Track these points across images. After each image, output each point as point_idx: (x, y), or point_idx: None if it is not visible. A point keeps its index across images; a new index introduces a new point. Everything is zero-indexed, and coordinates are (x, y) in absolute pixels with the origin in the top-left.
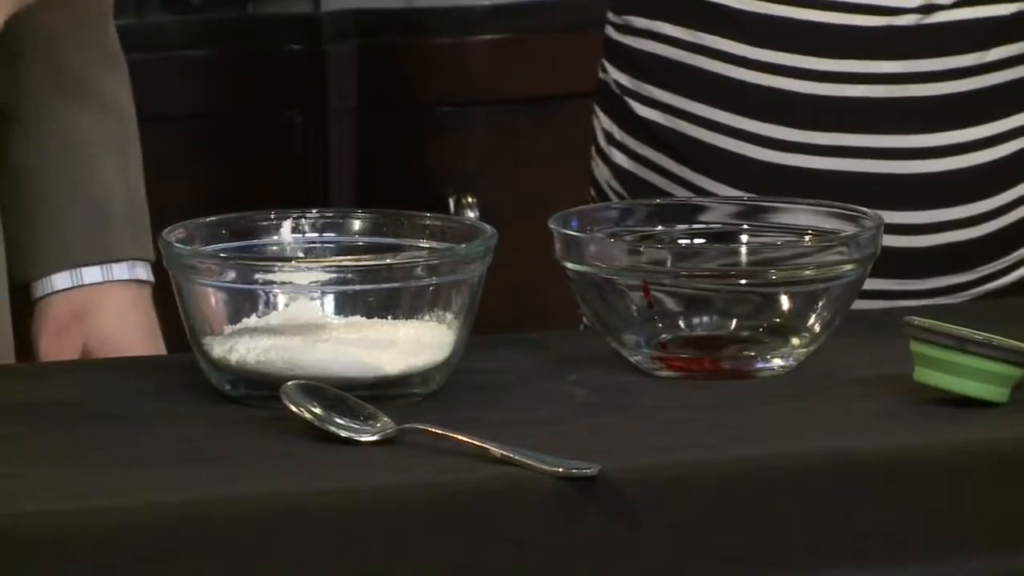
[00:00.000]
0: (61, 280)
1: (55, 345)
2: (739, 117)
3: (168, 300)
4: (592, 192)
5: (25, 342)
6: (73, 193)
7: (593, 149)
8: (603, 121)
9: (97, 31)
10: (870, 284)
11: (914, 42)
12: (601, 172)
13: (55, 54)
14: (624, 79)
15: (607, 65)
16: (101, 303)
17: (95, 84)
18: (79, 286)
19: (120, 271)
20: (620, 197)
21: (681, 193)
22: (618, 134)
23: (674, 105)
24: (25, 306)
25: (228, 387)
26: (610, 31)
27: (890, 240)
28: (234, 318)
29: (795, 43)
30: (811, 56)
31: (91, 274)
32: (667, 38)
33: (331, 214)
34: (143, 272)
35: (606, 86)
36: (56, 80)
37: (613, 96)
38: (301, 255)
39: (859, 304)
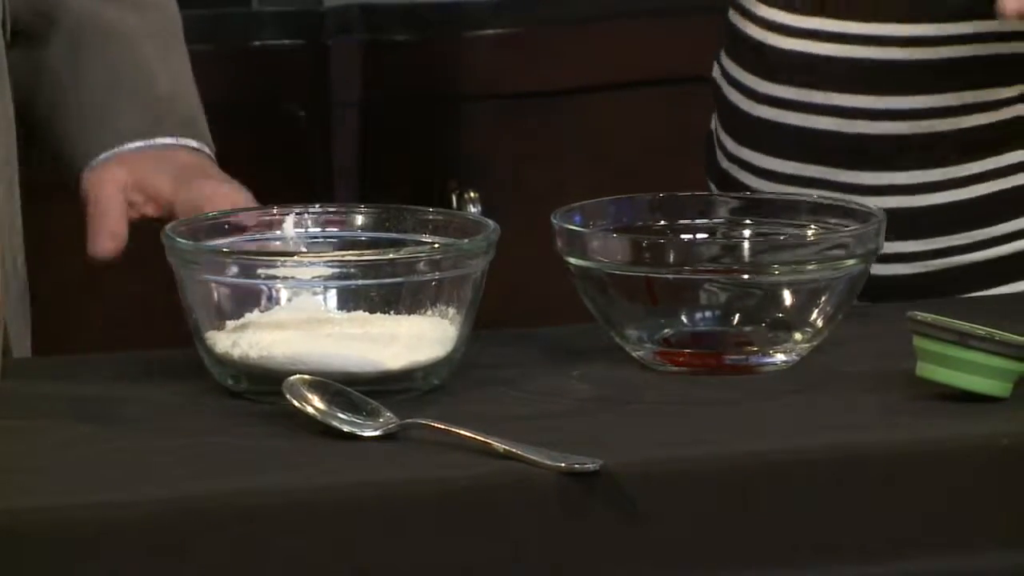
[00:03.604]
0: (105, 156)
1: (114, 195)
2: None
3: (172, 295)
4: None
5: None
6: (115, 79)
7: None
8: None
9: None
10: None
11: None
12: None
13: None
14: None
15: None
16: (151, 155)
17: None
18: (120, 152)
19: (165, 141)
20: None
21: (725, 163)
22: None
23: (723, 64)
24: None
25: (231, 382)
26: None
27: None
28: (237, 313)
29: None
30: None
31: (132, 145)
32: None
33: (333, 209)
34: (195, 143)
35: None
36: None
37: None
38: (304, 250)
39: None
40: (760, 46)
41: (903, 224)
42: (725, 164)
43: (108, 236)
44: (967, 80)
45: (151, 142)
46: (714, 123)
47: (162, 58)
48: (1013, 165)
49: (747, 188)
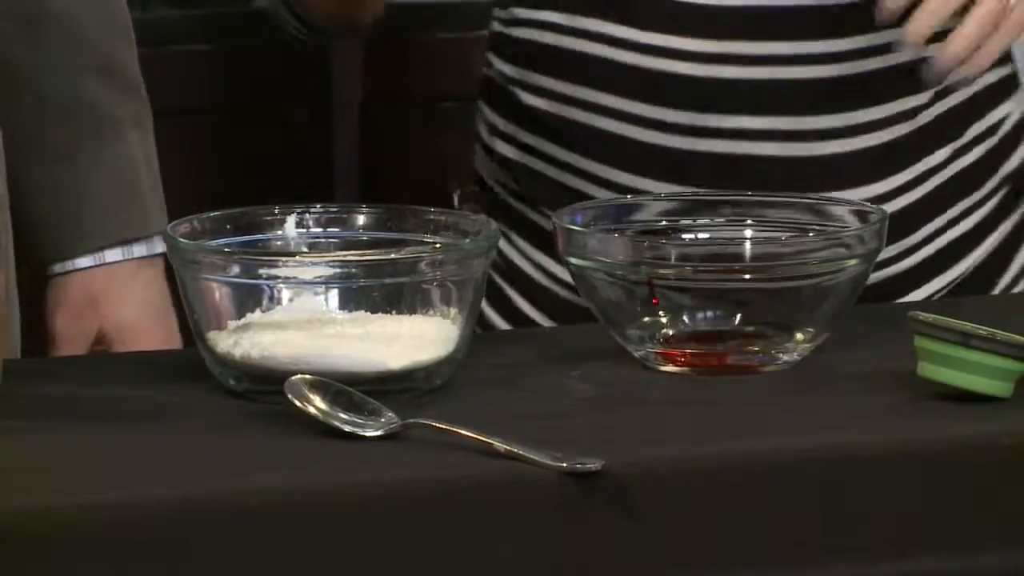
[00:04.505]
0: (83, 261)
1: (70, 328)
2: (624, 99)
3: (173, 295)
4: (475, 187)
5: (34, 319)
6: (101, 171)
7: (477, 144)
8: (487, 114)
9: (114, 7)
10: None
11: (807, 23)
12: (485, 165)
13: (81, 33)
14: (509, 69)
15: (492, 58)
16: (119, 286)
17: (117, 61)
18: (99, 265)
19: (140, 249)
20: (507, 189)
21: (571, 180)
22: (503, 125)
23: (558, 91)
24: (36, 285)
25: (232, 382)
26: (495, 25)
27: None
28: (238, 313)
29: (682, 25)
30: (698, 38)
31: (113, 255)
32: (550, 25)
33: (335, 209)
34: (160, 245)
35: (490, 80)
36: (83, 59)
37: (498, 88)
38: (305, 250)
39: None
40: (645, 73)
41: None
42: (593, 190)
43: None
44: (874, 95)
45: (129, 255)
46: (486, 128)
47: (143, 145)
48: (920, 175)
49: None
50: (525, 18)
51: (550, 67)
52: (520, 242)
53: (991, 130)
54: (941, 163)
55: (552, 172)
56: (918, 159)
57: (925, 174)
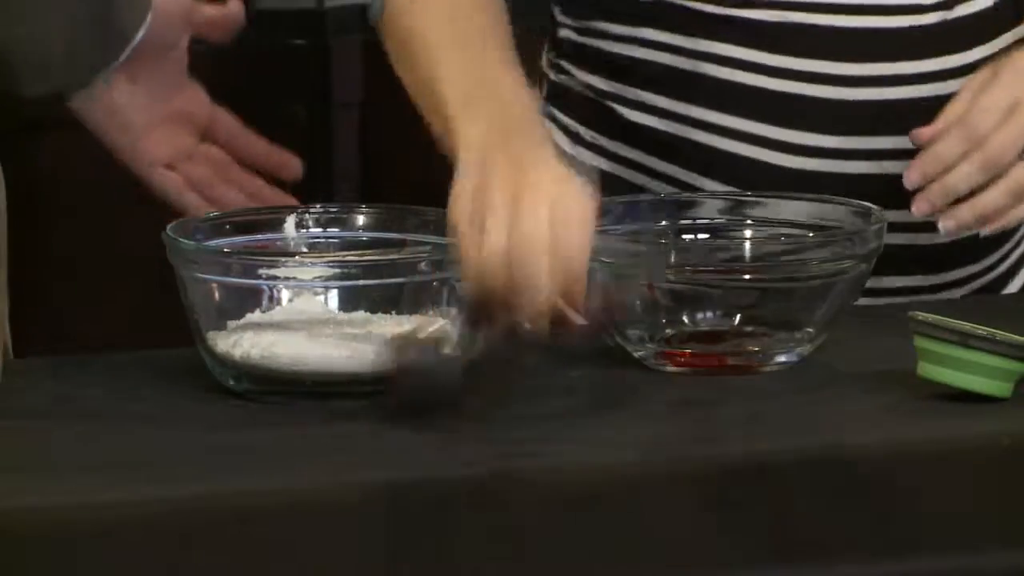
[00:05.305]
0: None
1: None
2: (752, 122)
3: (172, 295)
4: None
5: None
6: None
7: None
8: (565, 121)
9: None
10: (899, 282)
11: (937, 40)
12: None
13: None
14: (599, 82)
15: (567, 66)
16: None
17: None
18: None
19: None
20: None
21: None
22: (588, 135)
23: (674, 111)
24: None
25: (232, 382)
26: (567, 33)
27: (912, 238)
28: (238, 313)
29: (812, 48)
30: (831, 60)
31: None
32: (660, 44)
33: (335, 209)
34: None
35: (564, 88)
36: None
37: (580, 97)
38: (305, 250)
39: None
40: (779, 96)
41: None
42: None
43: None
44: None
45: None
46: (565, 136)
47: None
48: None
49: None
50: (620, 34)
51: (662, 85)
52: None
53: None
54: None
55: (656, 186)
56: None
57: None
